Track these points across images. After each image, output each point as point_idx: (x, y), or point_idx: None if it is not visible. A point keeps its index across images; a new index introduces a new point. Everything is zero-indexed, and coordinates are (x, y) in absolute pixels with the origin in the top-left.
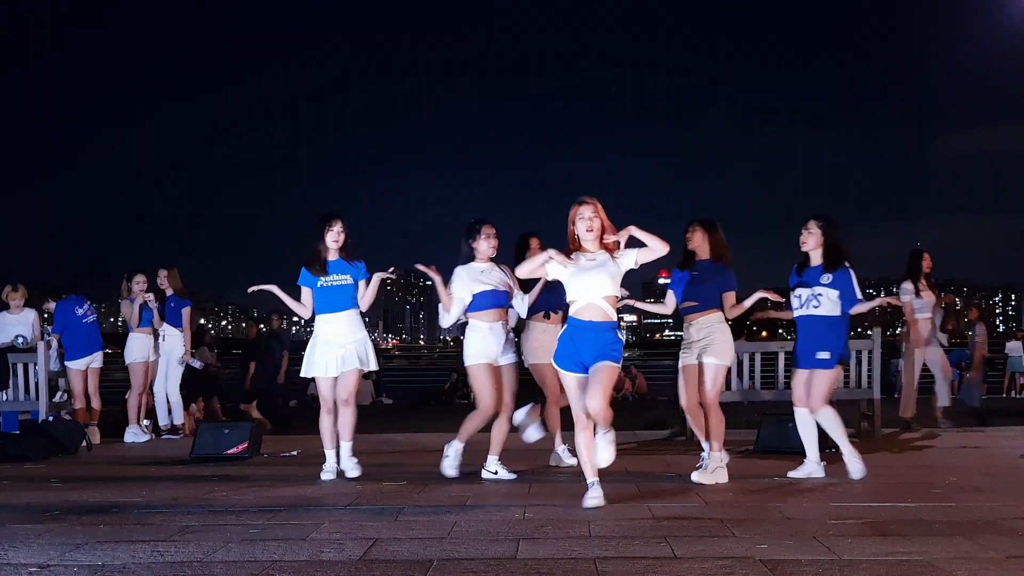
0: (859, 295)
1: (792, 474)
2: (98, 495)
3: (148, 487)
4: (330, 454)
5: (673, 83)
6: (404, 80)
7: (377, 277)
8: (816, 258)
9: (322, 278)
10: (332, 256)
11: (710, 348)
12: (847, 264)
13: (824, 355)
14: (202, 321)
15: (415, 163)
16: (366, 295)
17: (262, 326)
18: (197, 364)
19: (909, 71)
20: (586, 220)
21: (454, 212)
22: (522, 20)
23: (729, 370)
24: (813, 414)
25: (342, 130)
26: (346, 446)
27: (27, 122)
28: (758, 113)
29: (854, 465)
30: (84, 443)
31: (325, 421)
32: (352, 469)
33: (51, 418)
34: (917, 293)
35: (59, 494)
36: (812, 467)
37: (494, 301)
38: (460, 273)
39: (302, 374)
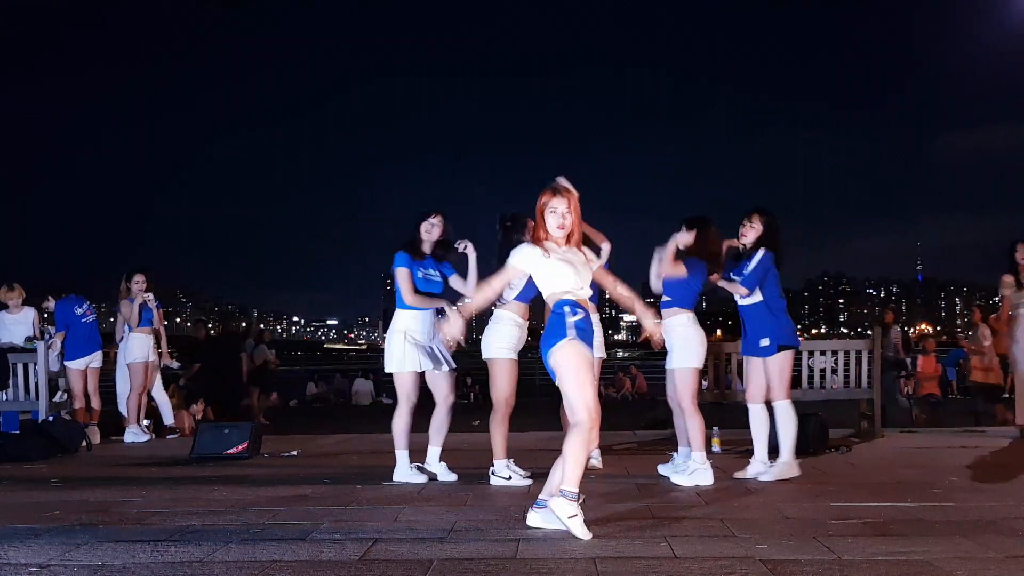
0: (749, 276)
1: (738, 474)
2: (98, 495)
3: (148, 487)
4: (404, 455)
5: (673, 83)
6: (404, 81)
7: (472, 259)
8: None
9: (420, 269)
10: (425, 248)
11: (671, 352)
12: (762, 250)
13: (764, 342)
14: (278, 326)
15: (416, 164)
16: (470, 279)
17: (211, 328)
18: (174, 365)
19: (909, 71)
20: (558, 215)
21: (455, 212)
22: (522, 21)
23: (728, 370)
24: (776, 404)
25: (342, 131)
26: (437, 451)
27: (28, 122)
28: (758, 113)
29: (779, 469)
30: (84, 443)
31: (405, 419)
32: (446, 473)
33: (51, 418)
34: (1020, 286)
35: (59, 494)
36: (758, 466)
37: (526, 296)
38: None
39: (393, 370)
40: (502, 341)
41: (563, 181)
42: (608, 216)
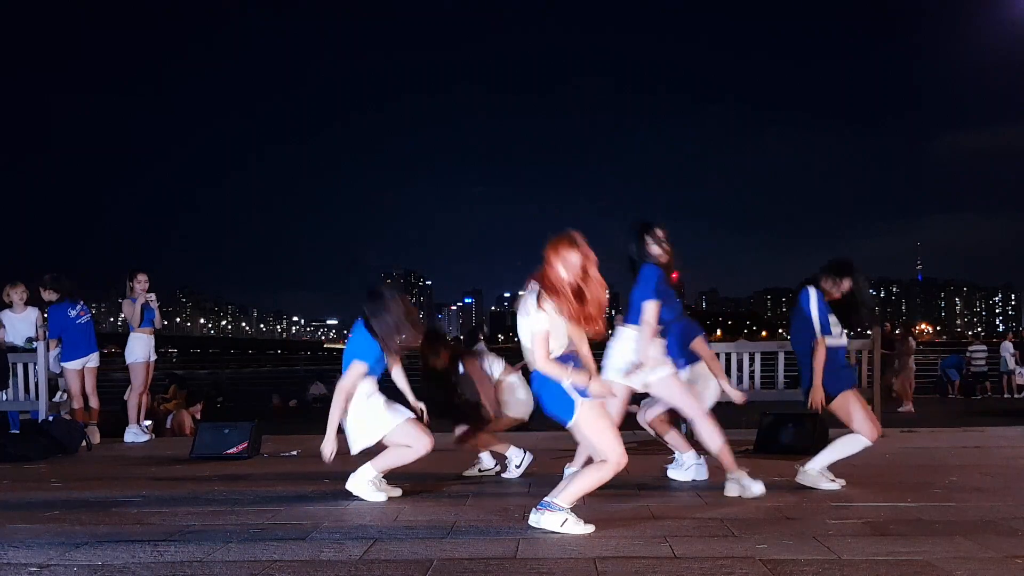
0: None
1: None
2: (98, 495)
3: (148, 487)
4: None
5: (673, 84)
6: (405, 86)
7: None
8: None
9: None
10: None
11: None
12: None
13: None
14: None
15: (416, 164)
16: None
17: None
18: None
19: (909, 71)
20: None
21: (454, 210)
22: (523, 22)
23: (729, 369)
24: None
25: (344, 132)
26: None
27: (32, 122)
28: (758, 113)
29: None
30: (84, 443)
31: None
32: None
33: (51, 418)
34: None
35: (59, 494)
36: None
37: None
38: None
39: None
40: None
41: None
42: (607, 219)
